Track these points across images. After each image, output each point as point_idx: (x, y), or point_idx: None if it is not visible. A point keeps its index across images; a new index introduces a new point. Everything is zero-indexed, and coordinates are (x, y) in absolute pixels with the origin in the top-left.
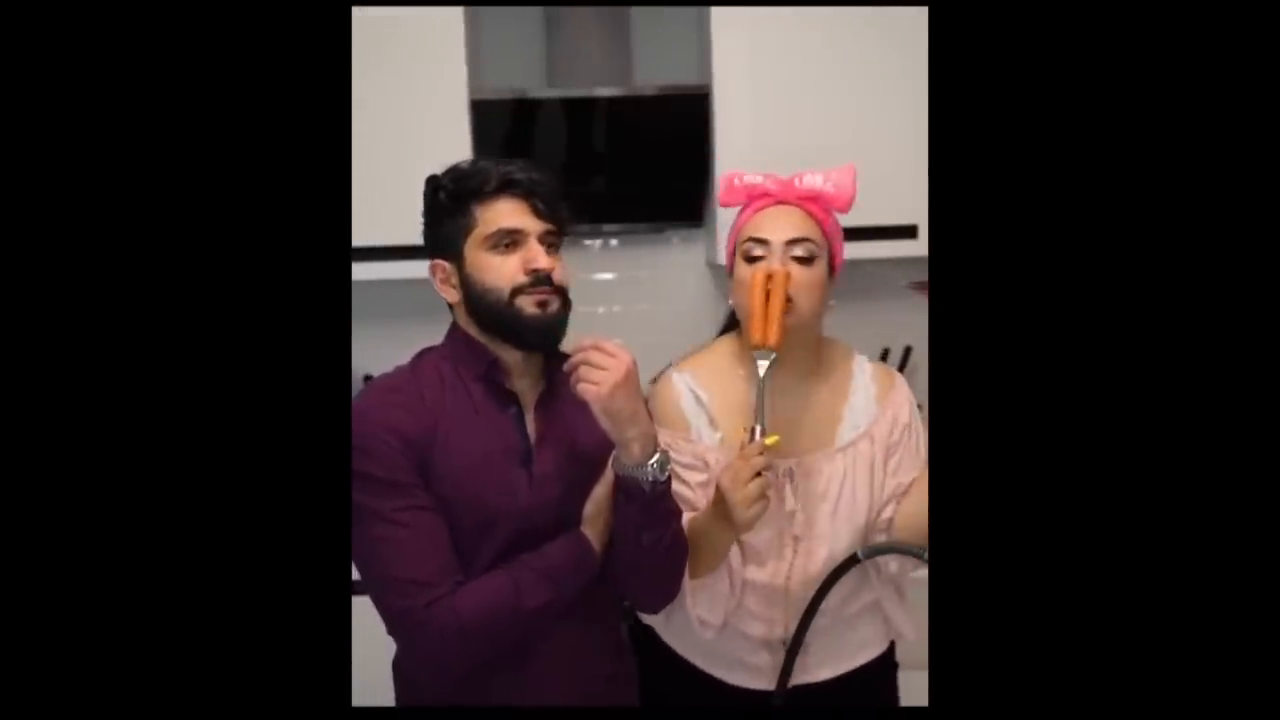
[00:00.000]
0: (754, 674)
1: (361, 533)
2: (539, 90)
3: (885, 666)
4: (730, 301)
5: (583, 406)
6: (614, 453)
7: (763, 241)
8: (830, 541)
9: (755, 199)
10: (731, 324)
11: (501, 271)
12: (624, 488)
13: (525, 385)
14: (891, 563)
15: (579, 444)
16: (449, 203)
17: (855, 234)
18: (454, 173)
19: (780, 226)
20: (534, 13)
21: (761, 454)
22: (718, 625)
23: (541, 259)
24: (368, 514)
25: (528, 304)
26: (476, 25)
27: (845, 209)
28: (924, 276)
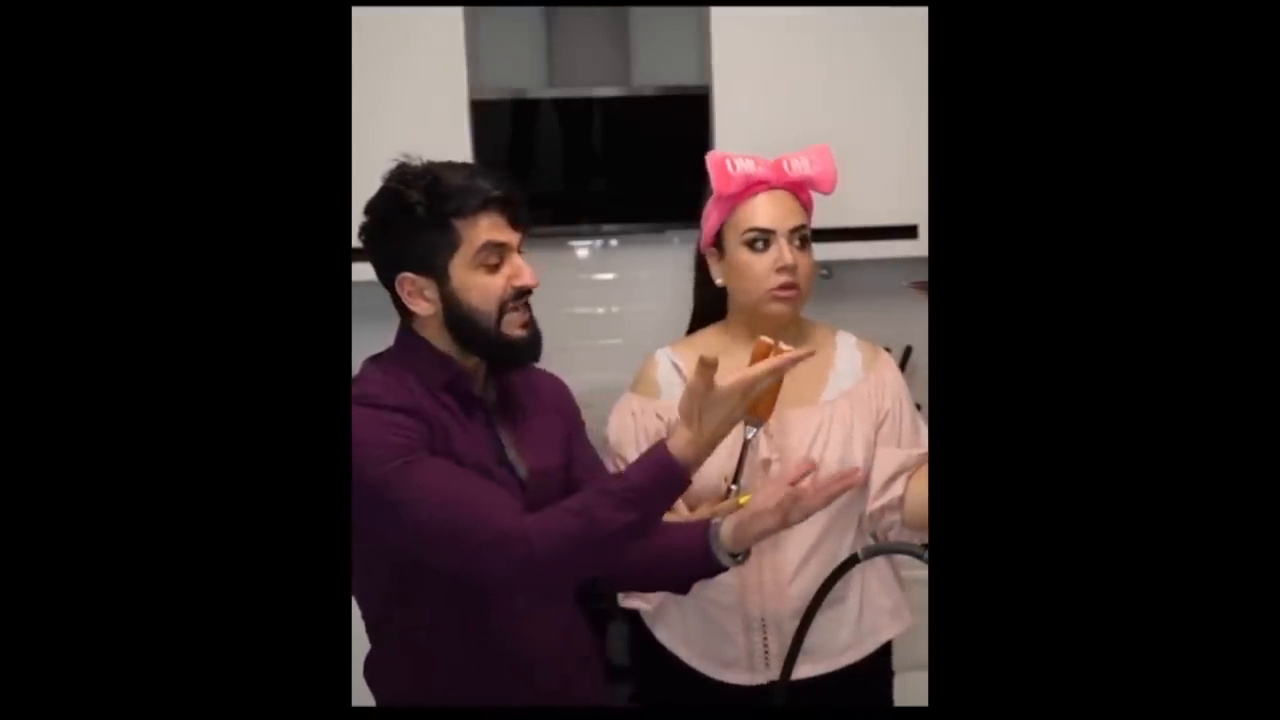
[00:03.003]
0: (733, 665)
1: (418, 493)
2: (539, 90)
3: (877, 669)
4: (720, 282)
5: (537, 408)
6: (714, 532)
7: (767, 231)
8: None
9: (752, 186)
10: (702, 315)
11: (489, 291)
12: (708, 563)
13: (483, 390)
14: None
15: (544, 441)
16: (426, 216)
17: (855, 234)
18: (426, 187)
19: (780, 215)
20: (534, 13)
21: (733, 512)
22: (656, 599)
23: (526, 274)
24: (414, 473)
25: (513, 326)
26: (476, 25)
27: (830, 191)
28: (924, 276)
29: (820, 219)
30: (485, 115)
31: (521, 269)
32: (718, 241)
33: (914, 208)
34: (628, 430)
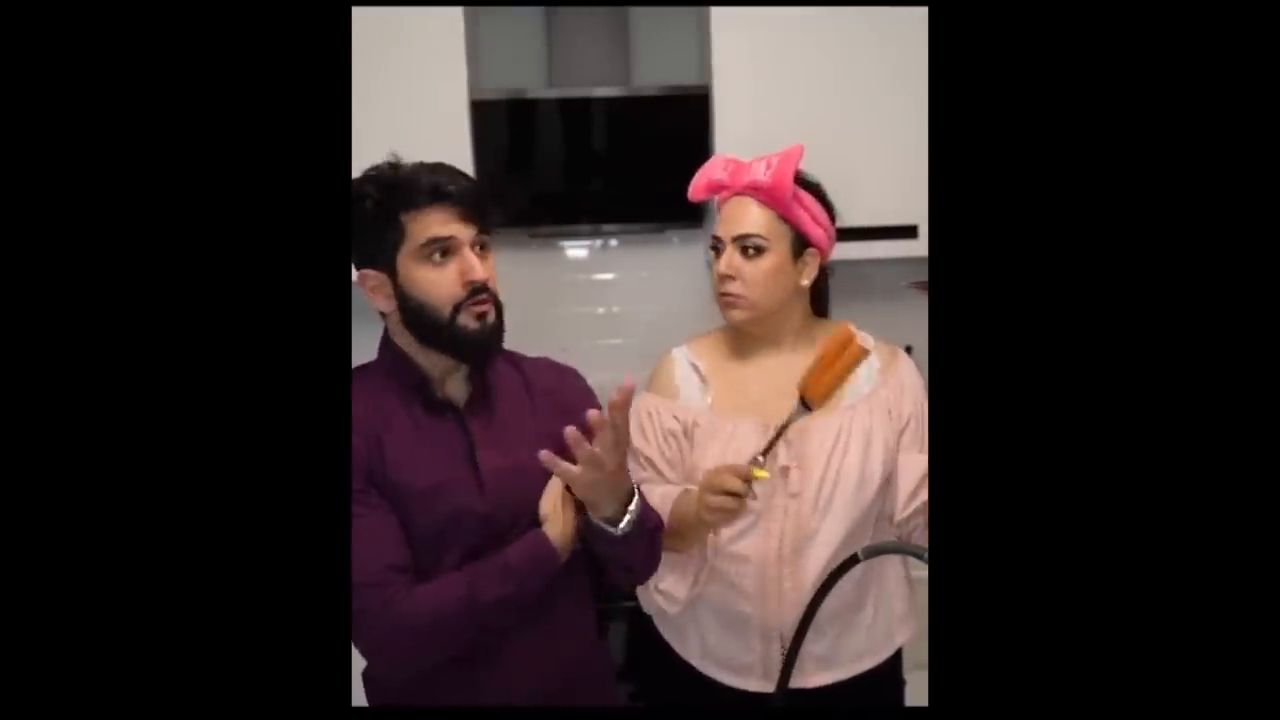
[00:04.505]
0: (746, 673)
1: None
2: (539, 90)
3: (891, 675)
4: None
5: (515, 406)
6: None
7: (717, 238)
8: (822, 504)
9: (714, 190)
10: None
11: (439, 285)
12: (594, 532)
13: (456, 390)
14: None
15: (520, 441)
16: (375, 211)
17: (855, 234)
18: (378, 181)
19: (730, 223)
20: (534, 13)
21: (746, 480)
22: (683, 599)
23: (478, 269)
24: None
25: (469, 319)
26: (476, 25)
27: (781, 199)
28: (924, 276)
29: None
30: (485, 115)
31: (473, 264)
32: None
33: (914, 208)
34: (646, 430)
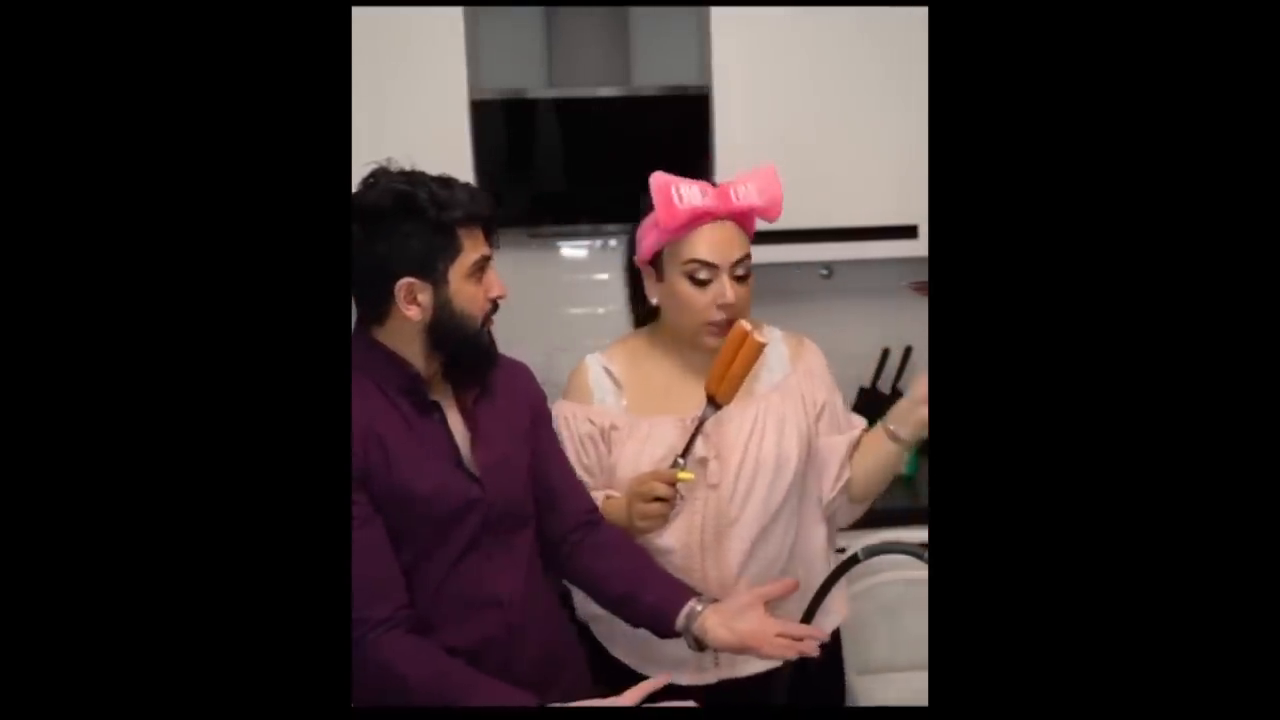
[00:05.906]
0: (680, 666)
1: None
2: (539, 90)
3: (826, 666)
4: (655, 301)
5: (496, 400)
6: (691, 615)
7: (710, 264)
8: (741, 492)
9: (699, 220)
10: (648, 318)
11: (477, 300)
12: (670, 634)
13: (440, 392)
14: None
15: (500, 435)
16: (437, 220)
17: (855, 234)
18: (435, 195)
19: (724, 248)
20: (534, 13)
21: (671, 484)
22: None
23: (498, 287)
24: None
25: (486, 334)
26: (476, 25)
27: (776, 218)
28: (924, 276)
29: (820, 219)
30: (485, 115)
31: (495, 282)
32: (655, 260)
33: (914, 208)
34: (563, 437)
